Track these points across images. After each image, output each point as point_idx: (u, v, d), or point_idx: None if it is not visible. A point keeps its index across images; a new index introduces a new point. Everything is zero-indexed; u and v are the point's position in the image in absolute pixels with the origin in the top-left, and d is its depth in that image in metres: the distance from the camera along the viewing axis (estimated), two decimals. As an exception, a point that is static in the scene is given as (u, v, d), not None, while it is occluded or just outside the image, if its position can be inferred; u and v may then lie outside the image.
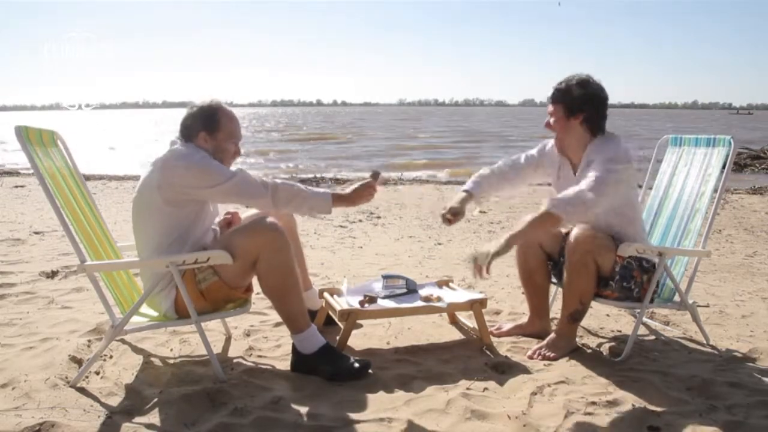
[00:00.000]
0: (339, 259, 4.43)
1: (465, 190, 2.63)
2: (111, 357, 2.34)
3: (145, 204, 2.13)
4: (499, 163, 2.72)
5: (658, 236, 2.72)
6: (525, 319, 2.72)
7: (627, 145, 2.38)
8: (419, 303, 2.54)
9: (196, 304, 2.11)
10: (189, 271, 2.11)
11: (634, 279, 2.38)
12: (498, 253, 2.12)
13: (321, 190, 2.22)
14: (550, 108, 2.45)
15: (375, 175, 2.28)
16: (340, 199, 2.22)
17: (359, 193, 2.23)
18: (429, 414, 1.89)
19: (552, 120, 2.44)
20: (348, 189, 2.25)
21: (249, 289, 2.30)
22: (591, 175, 2.25)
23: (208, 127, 2.20)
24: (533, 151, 2.68)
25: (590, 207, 2.20)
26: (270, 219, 2.14)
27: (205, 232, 2.25)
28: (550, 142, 2.61)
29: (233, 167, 2.22)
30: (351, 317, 2.39)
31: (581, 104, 2.38)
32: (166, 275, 2.11)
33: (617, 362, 2.34)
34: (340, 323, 2.46)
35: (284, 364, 2.27)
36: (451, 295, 2.65)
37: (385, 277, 2.71)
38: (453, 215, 2.53)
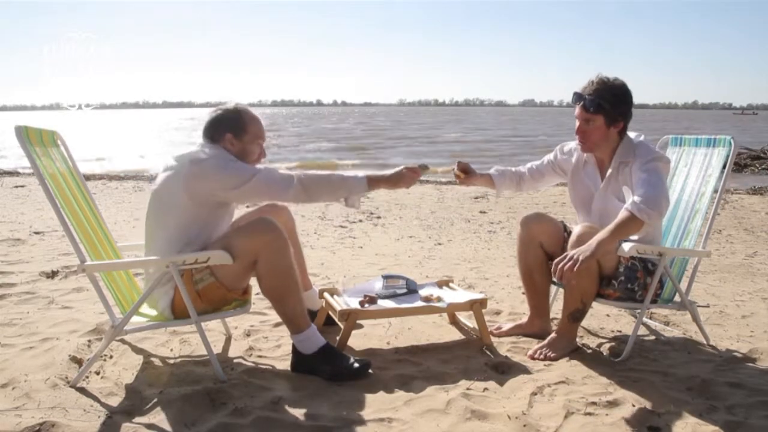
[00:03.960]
0: (339, 259, 4.43)
1: (489, 174, 2.73)
2: (111, 357, 2.34)
3: (167, 201, 2.13)
4: (526, 165, 2.79)
5: (658, 236, 2.72)
6: (525, 319, 2.72)
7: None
8: (419, 303, 2.54)
9: (193, 305, 2.10)
10: (187, 271, 2.11)
11: (638, 280, 2.38)
12: (586, 260, 2.11)
13: (353, 173, 2.21)
14: (583, 113, 2.35)
15: (424, 167, 2.31)
16: (377, 181, 2.22)
17: (401, 175, 2.24)
18: (429, 414, 1.89)
19: (589, 128, 2.37)
20: (389, 171, 2.26)
21: (246, 291, 2.30)
22: (644, 179, 2.24)
23: (234, 129, 2.21)
24: (551, 156, 2.72)
25: (665, 208, 2.22)
26: (269, 219, 2.14)
27: (220, 234, 2.25)
28: (567, 145, 2.65)
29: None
30: (351, 317, 2.39)
31: (622, 114, 2.36)
32: (165, 275, 2.11)
33: (617, 362, 2.34)
34: (340, 323, 2.46)
35: (284, 364, 2.27)
36: (451, 295, 2.65)
37: (385, 277, 2.71)
38: (462, 171, 2.64)
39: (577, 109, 2.39)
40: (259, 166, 2.18)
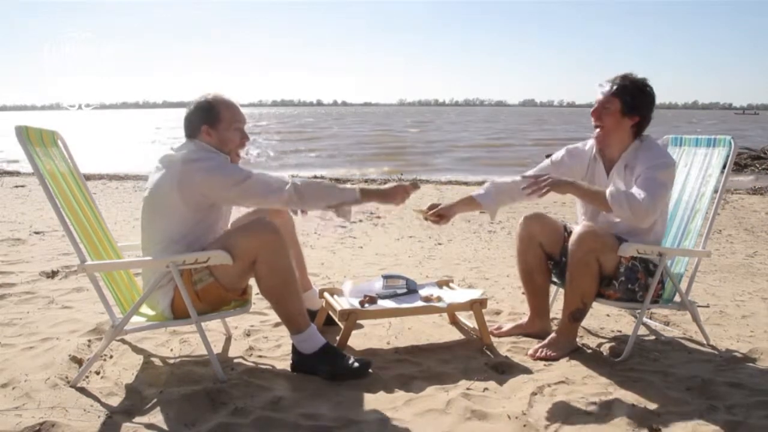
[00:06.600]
0: (339, 259, 4.43)
1: (471, 196, 2.64)
2: (111, 357, 2.34)
3: (160, 204, 2.13)
4: (527, 172, 2.67)
5: (658, 236, 2.72)
6: (525, 319, 2.72)
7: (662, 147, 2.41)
8: (419, 303, 2.54)
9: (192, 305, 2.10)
10: (186, 271, 2.11)
11: (638, 281, 2.38)
12: (554, 185, 2.23)
13: (347, 184, 2.22)
14: (603, 97, 2.38)
15: (415, 185, 2.34)
16: (370, 194, 2.25)
17: (394, 191, 2.27)
18: (429, 414, 1.89)
19: (604, 111, 2.38)
20: (383, 186, 2.29)
21: (245, 291, 2.30)
22: (642, 185, 2.24)
23: (208, 119, 2.20)
24: (560, 155, 2.64)
25: (639, 216, 2.20)
26: (268, 220, 2.14)
27: (216, 236, 2.24)
28: (580, 144, 2.62)
29: (243, 153, 2.30)
30: (351, 317, 2.39)
31: (640, 107, 2.36)
32: (165, 275, 2.11)
33: (617, 362, 2.34)
34: (340, 323, 2.46)
35: (284, 364, 2.27)
36: (451, 295, 2.65)
37: (386, 277, 2.71)
38: (438, 216, 2.56)
39: (598, 94, 2.42)
40: (253, 170, 2.17)
